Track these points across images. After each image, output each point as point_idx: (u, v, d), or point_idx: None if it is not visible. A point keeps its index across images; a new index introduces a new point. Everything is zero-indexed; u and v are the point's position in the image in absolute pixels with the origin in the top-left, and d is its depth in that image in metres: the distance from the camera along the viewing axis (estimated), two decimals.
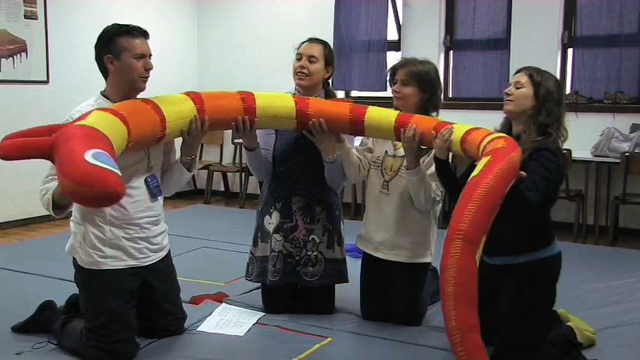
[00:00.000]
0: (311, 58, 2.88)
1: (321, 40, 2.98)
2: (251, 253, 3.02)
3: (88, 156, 1.76)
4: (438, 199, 2.77)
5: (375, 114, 2.69)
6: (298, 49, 2.94)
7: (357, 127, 2.70)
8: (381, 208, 2.85)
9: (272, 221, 2.94)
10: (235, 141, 6.17)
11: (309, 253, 2.91)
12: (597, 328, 2.80)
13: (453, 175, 2.58)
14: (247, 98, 2.61)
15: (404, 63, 2.83)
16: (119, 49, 2.43)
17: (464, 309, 1.85)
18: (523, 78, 2.44)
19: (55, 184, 2.30)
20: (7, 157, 1.93)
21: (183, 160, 2.63)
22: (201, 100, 2.49)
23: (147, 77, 2.50)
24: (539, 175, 2.23)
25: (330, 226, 2.95)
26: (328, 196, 2.96)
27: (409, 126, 2.57)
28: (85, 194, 1.71)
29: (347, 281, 2.99)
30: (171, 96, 2.51)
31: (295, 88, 2.97)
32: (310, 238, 2.91)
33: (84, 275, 2.49)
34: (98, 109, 2.24)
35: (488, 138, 2.28)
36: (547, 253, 2.40)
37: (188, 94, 2.52)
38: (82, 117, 2.15)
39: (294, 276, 2.91)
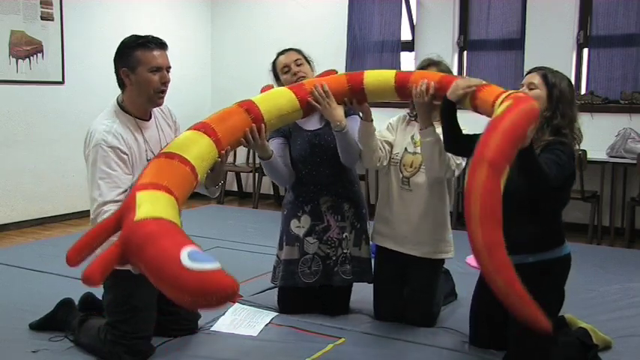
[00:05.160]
0: (297, 61, 2.87)
1: (291, 48, 2.95)
2: (277, 256, 3.02)
3: (185, 260, 1.62)
4: (453, 168, 2.72)
5: (373, 77, 2.66)
6: (276, 66, 2.91)
7: (358, 94, 2.66)
8: (403, 203, 2.84)
9: (301, 224, 2.93)
10: None
11: (344, 251, 2.91)
12: (614, 330, 2.78)
13: (457, 121, 2.51)
14: (250, 107, 2.49)
15: (429, 63, 2.79)
16: (135, 62, 2.38)
17: (490, 227, 1.85)
18: (536, 79, 2.40)
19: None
20: (96, 285, 1.78)
21: (209, 189, 2.54)
22: (214, 131, 2.32)
23: (163, 91, 2.45)
24: (551, 160, 2.23)
25: (357, 223, 2.95)
26: (354, 193, 2.96)
27: (420, 81, 2.54)
28: (206, 303, 1.62)
29: (371, 281, 2.99)
30: (187, 139, 2.30)
31: None
32: (344, 236, 2.91)
33: (111, 275, 2.49)
34: (137, 189, 2.01)
35: (504, 95, 2.26)
36: (557, 254, 2.38)
37: (199, 127, 2.33)
38: (129, 202, 1.95)
39: (333, 276, 2.91)
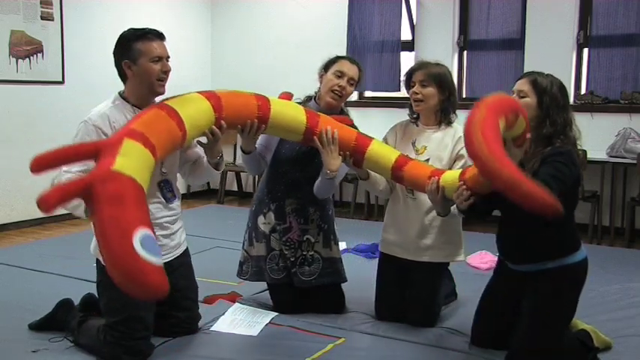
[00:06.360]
0: (351, 81, 2.81)
1: (359, 65, 2.88)
2: (246, 252, 3.02)
3: (137, 242, 1.69)
4: None
5: (379, 149, 2.63)
6: (335, 63, 2.82)
7: (358, 156, 2.63)
8: (408, 211, 2.82)
9: (267, 221, 2.95)
10: None
11: (304, 252, 2.91)
12: (614, 330, 2.78)
13: (485, 210, 2.45)
14: (263, 106, 2.48)
15: (420, 65, 2.79)
16: (136, 54, 2.45)
17: (489, 131, 2.01)
18: (526, 86, 2.35)
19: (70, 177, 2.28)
20: (48, 210, 1.76)
21: (211, 162, 2.59)
22: (220, 105, 2.36)
23: (165, 80, 2.51)
24: (549, 175, 2.19)
25: (324, 225, 2.95)
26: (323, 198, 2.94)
27: (431, 179, 2.48)
28: (131, 289, 1.71)
29: (345, 280, 2.99)
30: (190, 99, 2.33)
31: (315, 99, 2.88)
32: (305, 239, 2.91)
33: (106, 276, 2.50)
34: (127, 134, 2.03)
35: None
36: (575, 259, 2.36)
37: (207, 95, 2.36)
38: (114, 143, 1.98)
39: (293, 276, 2.92)
